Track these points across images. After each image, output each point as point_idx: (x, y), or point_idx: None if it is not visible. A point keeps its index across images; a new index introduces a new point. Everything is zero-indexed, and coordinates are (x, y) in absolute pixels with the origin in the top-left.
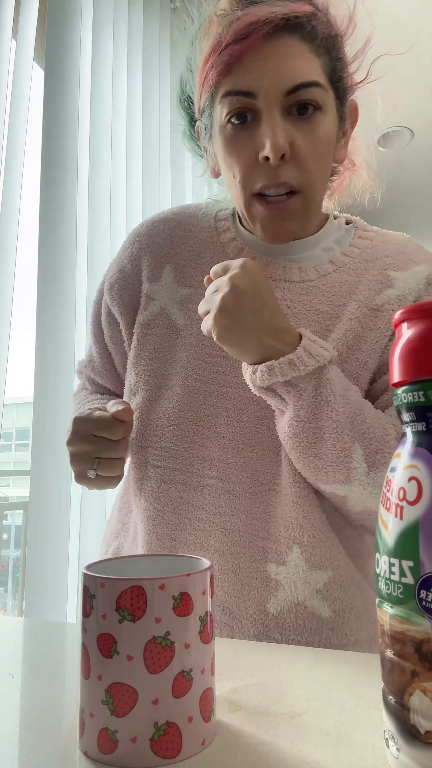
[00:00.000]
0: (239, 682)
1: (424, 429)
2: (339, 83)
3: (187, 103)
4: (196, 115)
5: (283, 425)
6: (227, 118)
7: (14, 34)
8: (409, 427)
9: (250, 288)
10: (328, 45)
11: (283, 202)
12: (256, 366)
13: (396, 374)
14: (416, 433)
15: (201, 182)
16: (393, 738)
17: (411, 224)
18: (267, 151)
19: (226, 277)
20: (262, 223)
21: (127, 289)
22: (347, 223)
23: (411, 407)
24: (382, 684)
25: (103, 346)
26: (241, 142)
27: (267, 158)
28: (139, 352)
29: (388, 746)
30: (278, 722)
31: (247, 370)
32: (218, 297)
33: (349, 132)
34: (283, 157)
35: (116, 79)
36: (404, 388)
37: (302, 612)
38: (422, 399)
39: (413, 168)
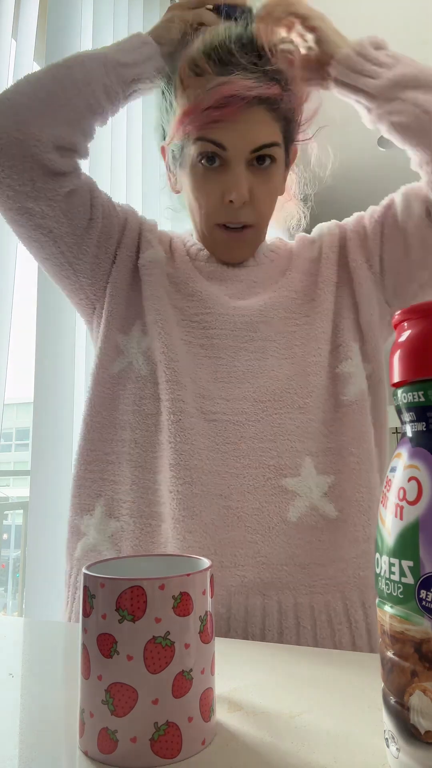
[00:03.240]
0: (239, 682)
1: (424, 429)
2: (289, 139)
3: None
4: (165, 142)
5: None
6: (198, 158)
7: (14, 34)
8: (409, 427)
9: None
10: (287, 114)
11: (240, 232)
12: None
13: (396, 374)
14: (416, 433)
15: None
16: (393, 738)
17: None
18: (233, 197)
19: None
20: (221, 248)
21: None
22: None
23: (411, 407)
24: (382, 684)
25: (110, 208)
26: (210, 182)
27: (231, 201)
28: (147, 293)
29: (388, 746)
30: (278, 722)
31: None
32: None
33: (288, 170)
34: (244, 202)
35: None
36: (404, 388)
37: (315, 514)
38: (422, 399)
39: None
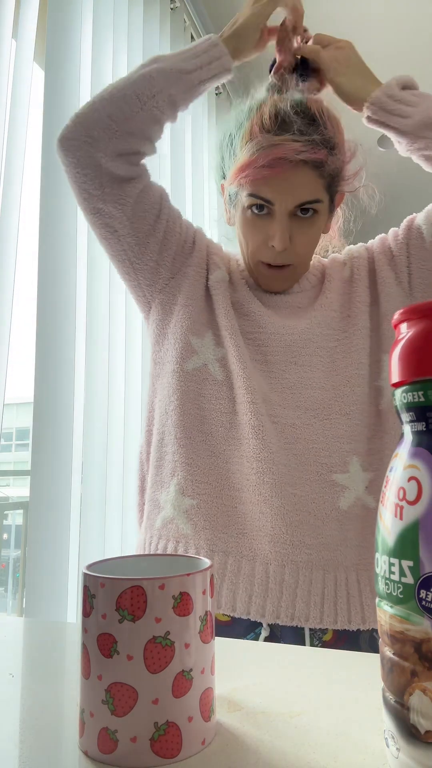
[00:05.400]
0: (239, 682)
1: (424, 429)
2: (333, 191)
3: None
4: (226, 182)
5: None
6: (249, 206)
7: (14, 34)
8: (409, 427)
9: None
10: (332, 172)
11: (281, 268)
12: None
13: (396, 374)
14: (416, 433)
15: (200, 180)
16: (393, 738)
17: None
18: (275, 244)
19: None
20: (263, 280)
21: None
22: None
23: (411, 407)
24: (382, 684)
25: (174, 223)
26: (257, 228)
27: (274, 246)
28: (215, 308)
29: (388, 746)
30: (278, 722)
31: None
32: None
33: (333, 214)
34: (285, 248)
35: (116, 79)
36: (404, 388)
37: (360, 504)
38: (422, 399)
39: (412, 168)
